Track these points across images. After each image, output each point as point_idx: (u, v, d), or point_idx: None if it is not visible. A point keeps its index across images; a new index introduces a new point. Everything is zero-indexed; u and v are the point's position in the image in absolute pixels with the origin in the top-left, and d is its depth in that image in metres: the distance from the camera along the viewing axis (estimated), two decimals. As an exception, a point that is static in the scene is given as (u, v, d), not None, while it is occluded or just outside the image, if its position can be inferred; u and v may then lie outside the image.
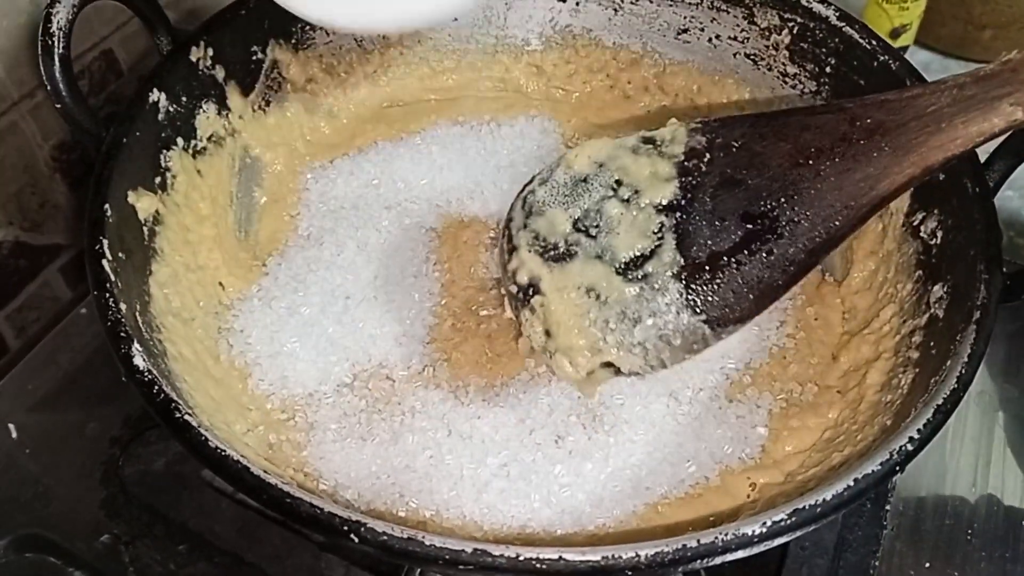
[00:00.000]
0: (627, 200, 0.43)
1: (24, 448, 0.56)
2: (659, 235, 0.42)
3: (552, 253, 0.44)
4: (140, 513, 0.53)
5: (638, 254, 0.42)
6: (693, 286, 0.41)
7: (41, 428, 0.57)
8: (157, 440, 0.56)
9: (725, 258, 0.40)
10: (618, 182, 0.44)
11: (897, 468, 0.37)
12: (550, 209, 0.45)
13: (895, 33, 0.77)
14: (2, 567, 0.51)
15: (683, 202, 0.42)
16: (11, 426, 0.57)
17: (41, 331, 0.63)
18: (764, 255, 0.40)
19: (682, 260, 0.41)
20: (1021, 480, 0.57)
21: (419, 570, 0.47)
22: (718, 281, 0.40)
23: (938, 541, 0.55)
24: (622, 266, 0.42)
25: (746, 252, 0.40)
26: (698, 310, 0.41)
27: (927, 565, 0.54)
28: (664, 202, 0.42)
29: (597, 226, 0.43)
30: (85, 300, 0.63)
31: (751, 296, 0.40)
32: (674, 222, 0.42)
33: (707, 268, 0.41)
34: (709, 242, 0.41)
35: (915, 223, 0.53)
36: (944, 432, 0.58)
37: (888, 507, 0.54)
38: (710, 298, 0.41)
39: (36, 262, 0.64)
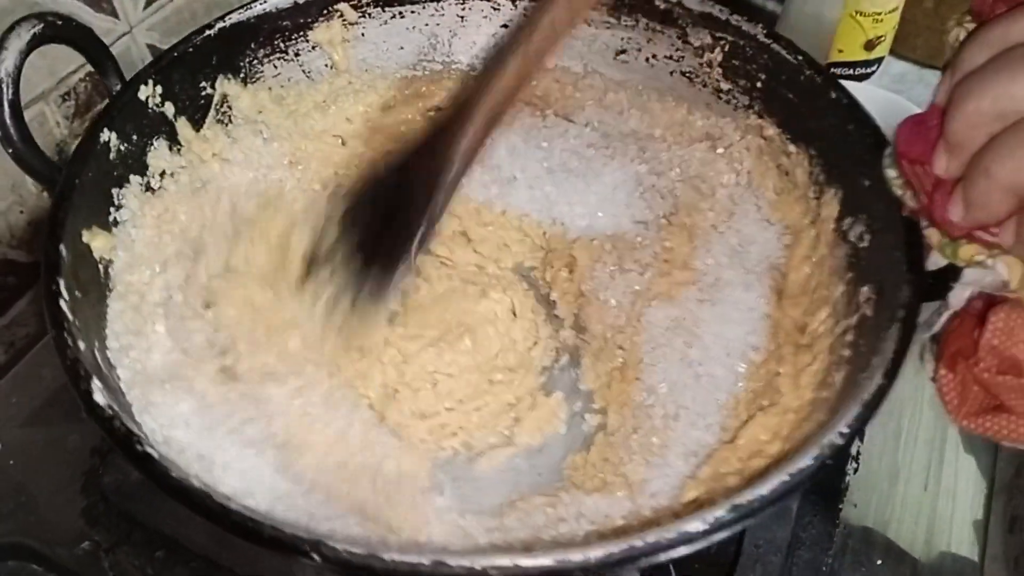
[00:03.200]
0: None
1: (8, 459, 0.58)
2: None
3: None
4: (119, 521, 0.55)
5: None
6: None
7: (25, 440, 0.59)
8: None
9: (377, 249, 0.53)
10: None
11: (828, 462, 0.40)
12: None
13: (870, 45, 0.79)
14: (-16, 574, 0.53)
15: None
16: (-5, 438, 0.58)
17: (29, 347, 0.64)
18: (398, 240, 0.52)
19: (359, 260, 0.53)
20: (973, 483, 0.60)
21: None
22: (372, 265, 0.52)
23: (890, 539, 0.57)
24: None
25: (388, 242, 0.53)
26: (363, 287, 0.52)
27: (879, 563, 0.56)
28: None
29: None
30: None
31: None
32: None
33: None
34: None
35: (844, 228, 0.55)
36: (897, 434, 0.62)
37: (841, 506, 0.56)
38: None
39: (24, 279, 0.65)
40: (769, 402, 0.53)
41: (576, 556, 0.36)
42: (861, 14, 0.77)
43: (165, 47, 0.58)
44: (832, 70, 0.81)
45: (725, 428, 0.53)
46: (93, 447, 0.58)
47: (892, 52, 0.84)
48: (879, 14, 0.77)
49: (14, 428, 0.59)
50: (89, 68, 0.63)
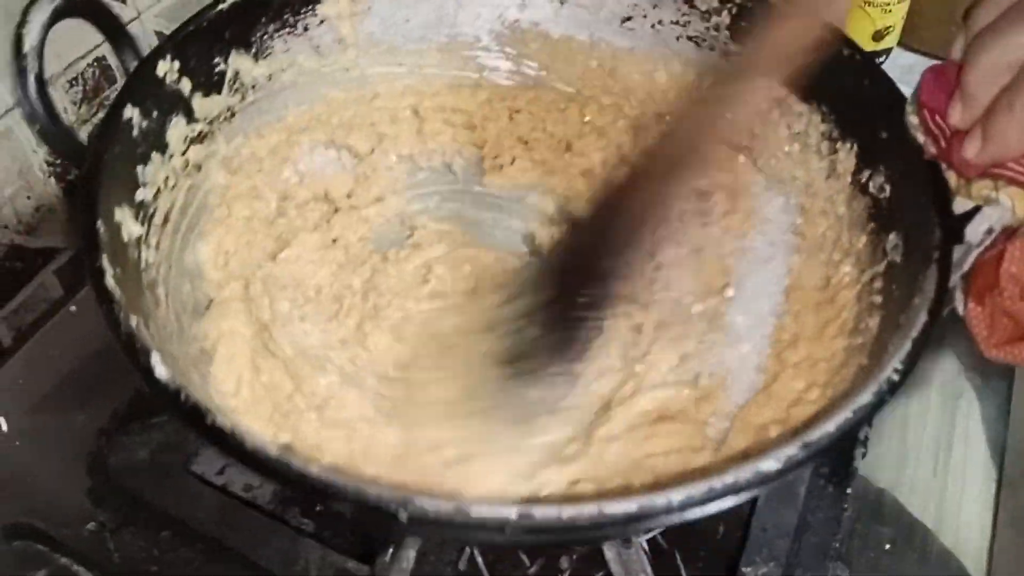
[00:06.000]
0: None
1: (14, 440, 0.58)
2: None
3: None
4: (124, 501, 0.55)
5: None
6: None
7: (31, 421, 0.59)
8: (141, 430, 0.58)
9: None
10: None
11: (887, 398, 0.41)
12: None
13: (878, 35, 0.79)
14: (-9, 555, 0.52)
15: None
16: (1, 419, 0.58)
17: (35, 331, 0.64)
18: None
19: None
20: (982, 468, 0.60)
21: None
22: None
23: (899, 524, 0.57)
24: None
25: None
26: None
27: (887, 548, 0.56)
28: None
29: None
30: (74, 298, 0.65)
31: None
32: None
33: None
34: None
35: (863, 181, 0.57)
36: (904, 421, 0.62)
37: (849, 490, 0.57)
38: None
39: (32, 265, 0.65)
40: (798, 358, 0.55)
41: (659, 500, 0.37)
42: (870, 4, 0.77)
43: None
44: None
45: (755, 388, 0.54)
46: (99, 428, 0.59)
47: (900, 43, 0.84)
48: (888, 4, 0.77)
49: (21, 411, 0.59)
50: (97, 54, 0.63)
